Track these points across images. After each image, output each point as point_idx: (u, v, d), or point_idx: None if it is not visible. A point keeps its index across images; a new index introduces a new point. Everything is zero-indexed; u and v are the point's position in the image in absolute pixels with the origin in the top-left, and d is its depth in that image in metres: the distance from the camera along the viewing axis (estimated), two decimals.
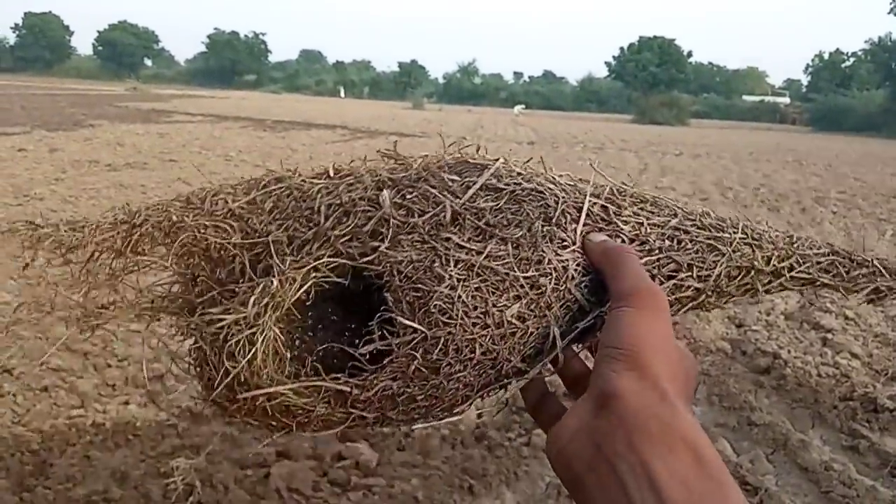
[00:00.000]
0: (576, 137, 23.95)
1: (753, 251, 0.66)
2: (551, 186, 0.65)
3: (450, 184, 0.65)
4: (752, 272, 0.66)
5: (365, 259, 0.64)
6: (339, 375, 0.61)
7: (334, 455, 2.92)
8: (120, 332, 4.02)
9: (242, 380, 0.59)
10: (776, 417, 3.47)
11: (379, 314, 0.62)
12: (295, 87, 78.32)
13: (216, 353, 0.60)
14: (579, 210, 0.63)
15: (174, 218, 0.69)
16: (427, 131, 22.99)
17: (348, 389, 0.60)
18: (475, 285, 0.59)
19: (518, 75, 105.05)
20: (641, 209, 0.66)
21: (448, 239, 0.61)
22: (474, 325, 0.58)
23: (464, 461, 2.93)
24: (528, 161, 0.70)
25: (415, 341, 0.59)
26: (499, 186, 0.64)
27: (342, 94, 74.01)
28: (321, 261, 0.64)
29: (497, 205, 0.62)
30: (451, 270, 0.59)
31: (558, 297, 0.60)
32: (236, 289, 0.65)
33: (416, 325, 0.59)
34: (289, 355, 0.64)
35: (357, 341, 0.64)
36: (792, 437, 3.26)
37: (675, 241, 0.64)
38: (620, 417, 0.50)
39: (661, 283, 0.62)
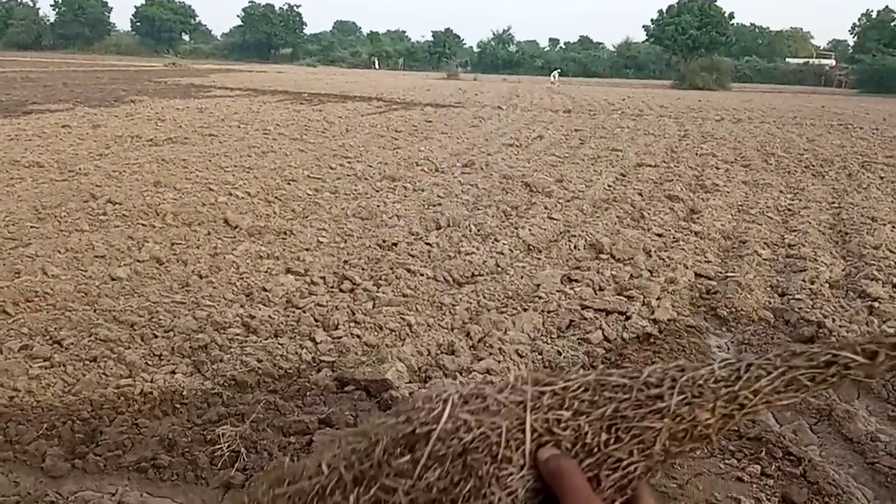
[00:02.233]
0: (613, 105, 23.58)
1: (693, 410, 0.69)
2: (494, 421, 0.69)
3: (403, 468, 0.69)
4: (698, 427, 0.69)
5: None
6: None
7: None
8: (165, 303, 4.11)
9: None
10: None
11: None
12: (330, 60, 78.36)
13: None
14: (523, 431, 0.68)
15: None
16: (462, 101, 22.84)
17: None
18: None
19: (554, 42, 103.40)
20: (578, 408, 0.70)
21: None
22: None
23: None
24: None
25: None
26: (442, 453, 0.68)
27: (377, 65, 73.83)
28: None
29: (443, 470, 0.68)
30: None
31: None
32: None
33: None
34: None
35: None
36: (836, 407, 3.21)
37: (614, 432, 0.69)
38: None
39: (609, 475, 0.68)
